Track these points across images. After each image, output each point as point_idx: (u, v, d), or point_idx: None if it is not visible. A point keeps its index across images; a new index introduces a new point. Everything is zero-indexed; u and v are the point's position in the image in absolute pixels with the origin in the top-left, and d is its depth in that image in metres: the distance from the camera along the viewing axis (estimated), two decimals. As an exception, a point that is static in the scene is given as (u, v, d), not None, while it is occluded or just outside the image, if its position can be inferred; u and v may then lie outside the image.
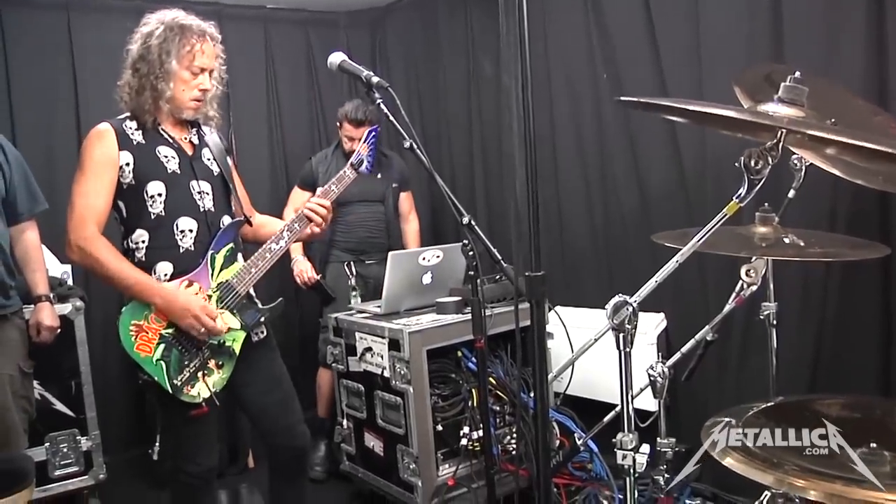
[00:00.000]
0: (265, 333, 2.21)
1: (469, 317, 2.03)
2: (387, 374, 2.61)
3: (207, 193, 2.11)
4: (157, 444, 3.28)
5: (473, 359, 2.64)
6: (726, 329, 2.55)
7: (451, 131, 4.15)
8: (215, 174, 2.17)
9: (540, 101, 3.34)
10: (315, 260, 3.49)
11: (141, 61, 2.01)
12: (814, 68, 2.14)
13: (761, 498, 1.68)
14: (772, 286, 2.23)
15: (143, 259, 2.03)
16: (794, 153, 2.09)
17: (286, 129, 4.26)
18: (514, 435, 2.69)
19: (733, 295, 2.09)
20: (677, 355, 2.22)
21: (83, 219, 1.94)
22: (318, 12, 4.34)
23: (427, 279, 2.83)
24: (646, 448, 1.61)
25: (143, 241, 2.02)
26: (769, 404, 1.77)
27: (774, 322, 2.24)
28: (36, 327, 2.57)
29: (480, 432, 2.51)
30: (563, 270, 3.46)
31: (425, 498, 2.55)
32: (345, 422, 2.95)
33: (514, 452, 2.66)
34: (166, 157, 2.06)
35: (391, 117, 1.96)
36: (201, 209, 2.09)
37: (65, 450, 2.92)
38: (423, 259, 2.80)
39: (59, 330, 2.65)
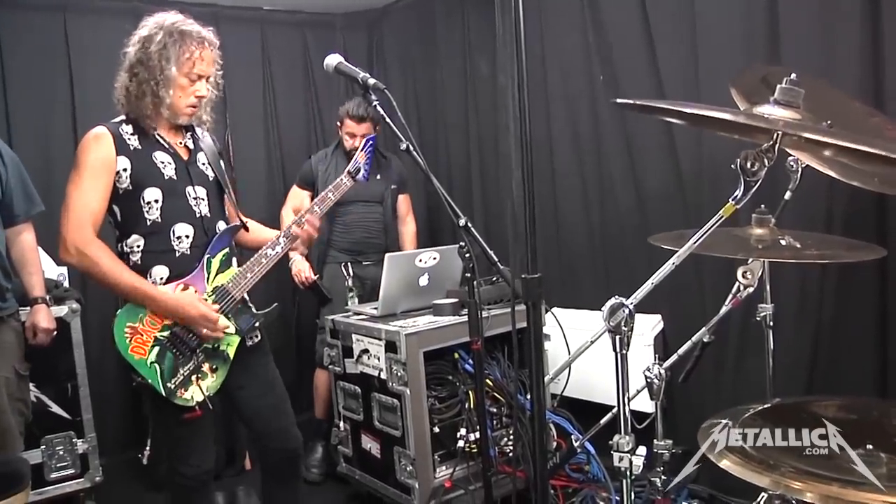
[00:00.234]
0: (259, 338, 2.22)
1: (466, 319, 2.02)
2: (383, 375, 2.61)
3: (203, 199, 2.11)
4: (148, 448, 3.28)
5: (470, 360, 2.64)
6: (723, 331, 2.54)
7: (447, 132, 4.15)
8: (210, 179, 2.16)
9: (536, 102, 3.35)
10: (312, 260, 3.48)
11: (139, 66, 1.99)
12: (810, 70, 2.13)
13: (758, 500, 1.68)
14: (768, 288, 2.23)
15: (139, 262, 2.02)
16: (791, 155, 2.09)
17: (283, 130, 4.25)
18: (511, 437, 2.69)
19: (730, 296, 2.09)
20: (674, 357, 2.22)
21: (81, 221, 1.92)
22: (314, 14, 4.34)
23: (424, 281, 2.83)
24: (642, 450, 1.61)
25: (139, 246, 2.02)
26: (766, 406, 1.77)
27: (771, 323, 2.24)
28: (32, 329, 2.57)
29: (477, 434, 2.50)
30: (559, 272, 3.45)
31: (422, 500, 2.54)
32: (341, 423, 2.95)
33: (511, 454, 2.66)
34: (163, 162, 2.05)
35: (388, 119, 1.96)
36: (197, 215, 2.09)
37: (61, 452, 2.92)
38: (420, 261, 2.79)
39: (55, 332, 2.64)
